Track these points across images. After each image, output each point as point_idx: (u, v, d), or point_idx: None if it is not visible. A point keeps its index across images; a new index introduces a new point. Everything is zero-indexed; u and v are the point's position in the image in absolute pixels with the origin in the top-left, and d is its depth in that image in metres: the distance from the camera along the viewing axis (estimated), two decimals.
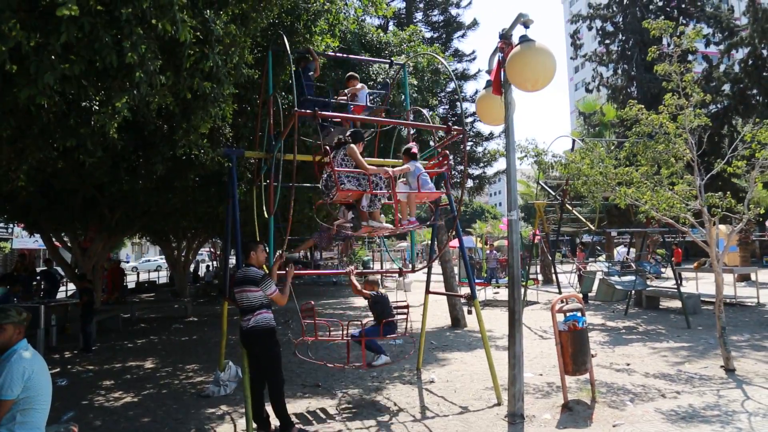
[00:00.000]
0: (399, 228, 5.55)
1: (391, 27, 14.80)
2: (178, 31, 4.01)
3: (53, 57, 3.61)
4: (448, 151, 6.30)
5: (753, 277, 16.77)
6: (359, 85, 6.56)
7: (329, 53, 7.44)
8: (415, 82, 9.26)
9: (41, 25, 3.60)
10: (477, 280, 15.10)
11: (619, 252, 19.73)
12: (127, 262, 44.49)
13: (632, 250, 15.71)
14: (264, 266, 5.33)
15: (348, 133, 5.62)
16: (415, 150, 5.86)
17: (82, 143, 4.87)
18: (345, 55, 7.68)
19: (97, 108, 4.56)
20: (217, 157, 7.14)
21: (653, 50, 7.65)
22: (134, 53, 3.82)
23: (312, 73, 6.33)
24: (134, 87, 4.14)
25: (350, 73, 6.88)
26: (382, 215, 5.80)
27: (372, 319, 6.41)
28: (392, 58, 8.52)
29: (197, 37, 4.43)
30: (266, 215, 5.97)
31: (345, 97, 6.36)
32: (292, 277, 5.34)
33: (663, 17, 15.10)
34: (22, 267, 14.29)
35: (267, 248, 5.52)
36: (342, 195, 5.19)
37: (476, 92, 17.12)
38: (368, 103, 6.40)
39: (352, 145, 5.35)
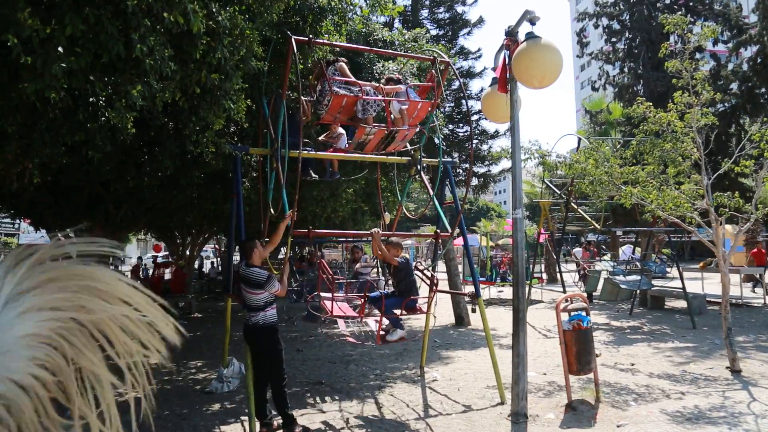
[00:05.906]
0: (392, 128, 6.06)
1: (396, 24, 14.76)
2: (190, 22, 3.99)
3: (60, 50, 3.60)
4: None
5: (758, 276, 16.64)
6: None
7: (341, 44, 7.06)
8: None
9: (47, 18, 3.59)
10: (481, 279, 15.06)
11: (624, 252, 19.61)
12: (129, 257, 44.56)
13: (637, 249, 15.58)
14: (268, 261, 5.34)
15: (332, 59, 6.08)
16: (399, 76, 6.46)
17: (91, 138, 4.86)
18: (368, 49, 7.56)
19: (103, 103, 4.55)
20: (229, 152, 7.10)
21: (665, 46, 7.58)
22: (143, 45, 3.80)
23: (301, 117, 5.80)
24: (143, 80, 4.12)
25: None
26: (387, 213, 5.94)
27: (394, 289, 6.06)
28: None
29: (209, 26, 4.40)
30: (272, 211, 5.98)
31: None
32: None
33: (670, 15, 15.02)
34: None
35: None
36: (336, 103, 5.59)
37: (482, 90, 17.01)
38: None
39: (342, 64, 5.89)
